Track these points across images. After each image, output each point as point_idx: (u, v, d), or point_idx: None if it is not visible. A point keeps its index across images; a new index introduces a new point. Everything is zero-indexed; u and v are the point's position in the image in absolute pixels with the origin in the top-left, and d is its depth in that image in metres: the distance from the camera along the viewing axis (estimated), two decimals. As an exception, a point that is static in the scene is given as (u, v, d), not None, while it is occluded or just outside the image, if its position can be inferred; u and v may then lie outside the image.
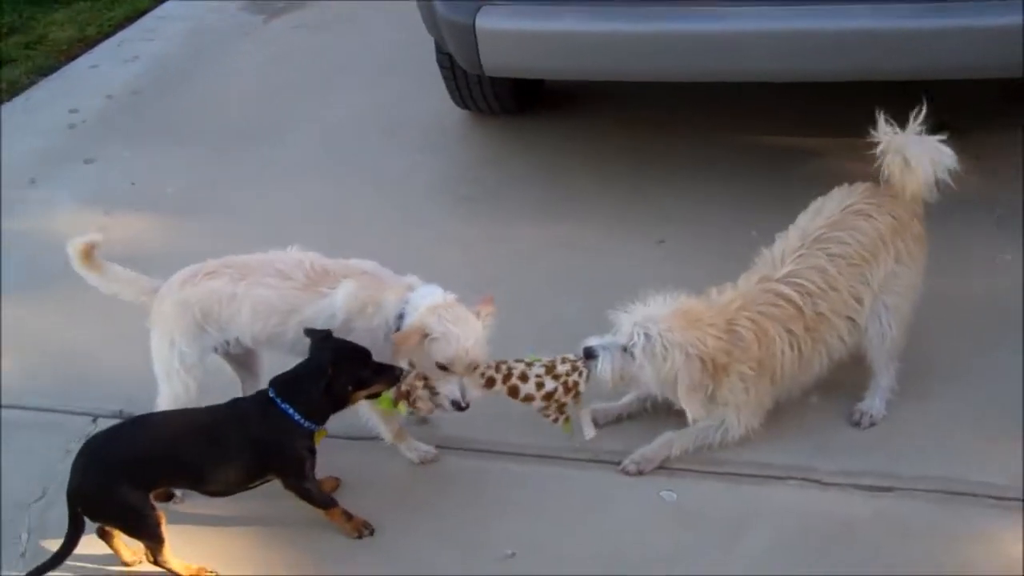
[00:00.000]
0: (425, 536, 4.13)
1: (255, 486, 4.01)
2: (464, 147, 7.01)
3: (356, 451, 4.44)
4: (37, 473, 4.52)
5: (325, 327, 4.09)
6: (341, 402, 3.94)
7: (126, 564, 4.01)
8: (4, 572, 4.08)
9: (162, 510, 3.88)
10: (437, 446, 4.49)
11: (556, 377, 4.15)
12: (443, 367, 3.99)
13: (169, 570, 3.93)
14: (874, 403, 4.48)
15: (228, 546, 4.15)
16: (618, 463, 4.36)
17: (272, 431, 3.88)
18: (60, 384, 5.10)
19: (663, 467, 4.35)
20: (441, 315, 3.96)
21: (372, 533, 4.12)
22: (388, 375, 3.97)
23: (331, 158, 6.95)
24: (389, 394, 4.06)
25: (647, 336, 4.13)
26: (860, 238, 4.36)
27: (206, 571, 3.98)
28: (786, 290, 4.34)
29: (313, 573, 4.02)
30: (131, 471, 3.77)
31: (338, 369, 3.85)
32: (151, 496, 3.82)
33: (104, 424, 4.78)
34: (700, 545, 4.03)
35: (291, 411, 3.86)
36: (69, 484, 3.80)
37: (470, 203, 6.31)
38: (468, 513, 4.23)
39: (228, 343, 4.27)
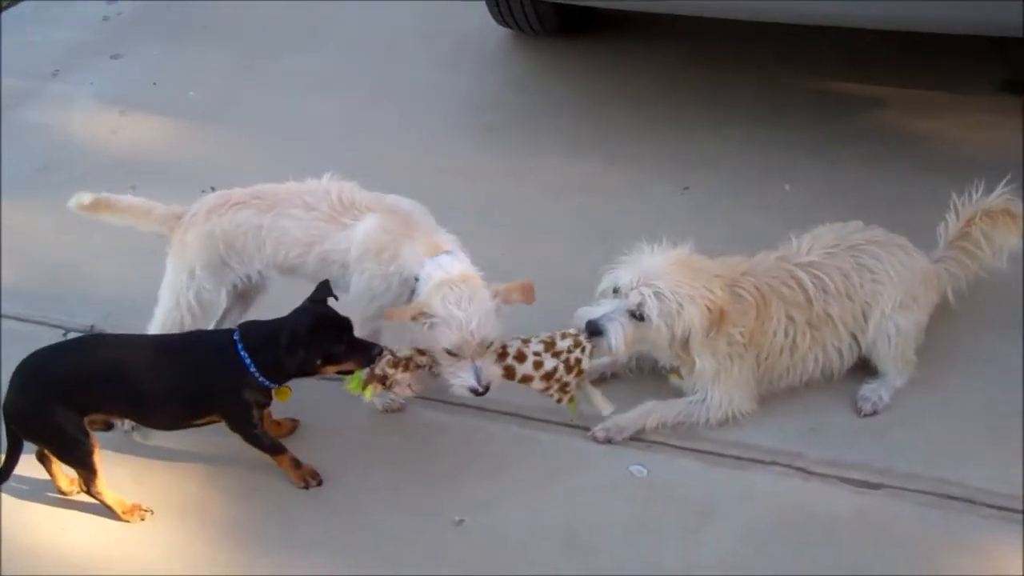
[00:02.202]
0: (375, 492, 3.92)
1: (201, 424, 3.82)
2: (498, 68, 6.65)
3: (320, 391, 4.17)
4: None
5: (342, 260, 3.88)
6: (306, 372, 3.67)
7: (62, 493, 3.87)
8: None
9: (98, 440, 3.73)
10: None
11: (556, 354, 3.82)
12: (452, 353, 3.70)
13: (102, 503, 3.78)
14: (879, 391, 4.12)
15: (169, 483, 3.98)
16: (589, 429, 4.09)
17: (223, 374, 3.66)
18: (37, 293, 4.96)
19: (638, 439, 4.05)
20: (446, 296, 3.61)
21: (319, 484, 3.92)
22: (362, 355, 3.68)
23: (361, 70, 6.66)
24: (361, 374, 3.78)
25: (658, 295, 3.79)
26: (895, 264, 4.08)
27: (140, 508, 3.83)
28: (803, 276, 4.02)
29: (249, 520, 3.84)
30: (67, 391, 3.59)
31: (311, 340, 3.58)
32: (86, 422, 3.65)
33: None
34: (664, 525, 3.75)
35: (249, 362, 3.62)
36: (5, 399, 3.64)
37: (495, 132, 5.97)
38: (424, 470, 4.00)
39: (249, 277, 4.08)
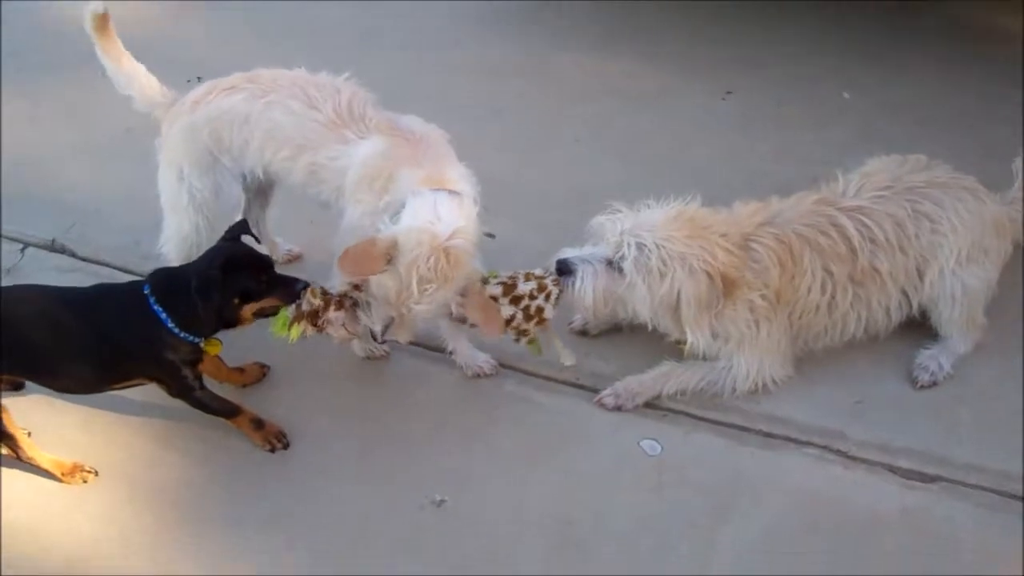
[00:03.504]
0: (345, 458, 3.41)
1: (123, 388, 3.33)
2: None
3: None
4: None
5: (336, 182, 3.33)
6: (228, 319, 3.17)
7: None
8: None
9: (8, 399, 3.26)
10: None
11: (516, 300, 3.29)
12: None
13: (38, 466, 3.31)
14: (939, 358, 3.54)
15: (119, 437, 3.47)
16: (597, 391, 3.54)
17: (136, 334, 3.15)
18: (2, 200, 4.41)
19: (653, 406, 3.51)
20: (417, 263, 3.01)
21: (286, 447, 3.43)
22: (284, 291, 3.19)
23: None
24: (287, 313, 3.25)
25: (640, 246, 3.25)
26: (961, 212, 3.47)
27: (83, 469, 3.35)
28: (846, 223, 3.44)
29: (203, 487, 3.34)
30: None
31: (225, 279, 3.06)
32: None
33: (33, 255, 4.17)
34: (675, 519, 3.21)
35: (164, 317, 3.12)
36: None
37: (506, 21, 5.31)
38: (402, 433, 3.48)
39: (245, 176, 3.55)
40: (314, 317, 3.25)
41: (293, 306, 3.23)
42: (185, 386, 3.25)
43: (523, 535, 3.18)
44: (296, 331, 3.26)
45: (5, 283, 3.95)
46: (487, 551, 3.14)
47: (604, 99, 4.80)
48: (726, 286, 3.27)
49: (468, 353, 3.65)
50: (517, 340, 3.38)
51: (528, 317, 3.28)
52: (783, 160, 4.37)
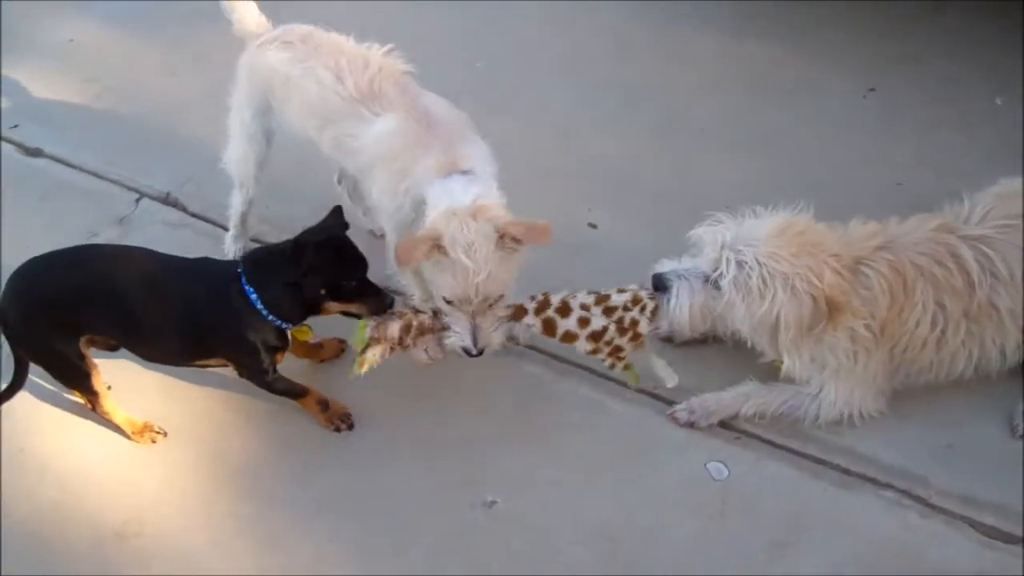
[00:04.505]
0: (407, 448, 3.38)
1: (203, 366, 3.36)
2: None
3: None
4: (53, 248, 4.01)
5: (357, 159, 3.32)
6: (312, 308, 3.15)
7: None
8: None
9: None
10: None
11: (609, 311, 3.12)
12: (450, 302, 3.07)
13: (111, 421, 3.40)
14: (1045, 410, 3.24)
15: (193, 403, 3.53)
16: (672, 404, 3.40)
17: (224, 312, 3.14)
18: (120, 144, 4.54)
19: (728, 426, 3.35)
20: (454, 235, 2.93)
21: (351, 427, 3.42)
22: (374, 301, 3.13)
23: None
24: (367, 328, 3.14)
25: (740, 264, 3.04)
26: None
27: (152, 430, 3.43)
28: (966, 253, 3.16)
29: (263, 462, 3.37)
30: (54, 312, 3.15)
31: (317, 270, 3.05)
32: (84, 342, 3.22)
33: (146, 207, 4.26)
34: (733, 550, 3.06)
35: (255, 298, 3.10)
36: (3, 311, 3.21)
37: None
38: (471, 429, 3.42)
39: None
40: (400, 341, 3.13)
41: (373, 324, 3.12)
42: (259, 369, 3.25)
43: (569, 547, 3.09)
44: (372, 358, 3.12)
45: (117, 234, 4.10)
46: (529, 559, 3.08)
47: (736, 87, 4.56)
48: (831, 310, 3.03)
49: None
50: (612, 366, 3.22)
51: (622, 330, 3.11)
52: (921, 170, 4.08)
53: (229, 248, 3.98)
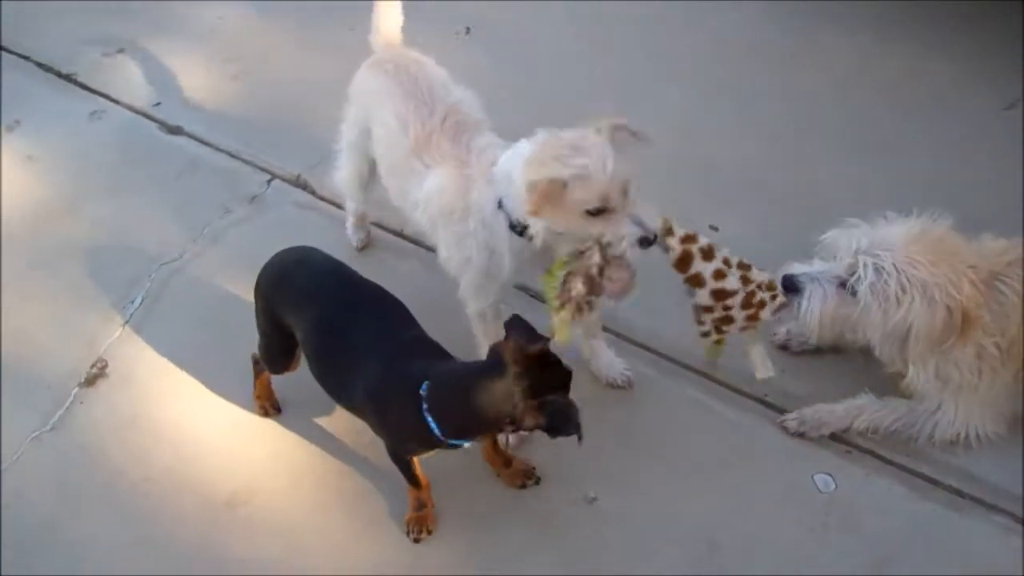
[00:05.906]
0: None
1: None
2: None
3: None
4: (187, 225, 4.18)
5: (414, 214, 3.24)
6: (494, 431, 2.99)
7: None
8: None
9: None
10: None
11: (745, 280, 2.98)
12: (598, 211, 2.80)
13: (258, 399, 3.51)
14: None
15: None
16: (784, 412, 3.36)
17: (396, 421, 2.94)
18: (254, 125, 4.63)
19: (839, 439, 3.29)
20: (556, 154, 2.75)
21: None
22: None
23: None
24: (565, 313, 2.91)
25: (878, 269, 2.95)
26: None
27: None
28: None
29: (372, 437, 3.40)
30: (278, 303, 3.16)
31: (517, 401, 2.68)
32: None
33: (277, 187, 4.36)
34: (830, 560, 3.02)
35: (433, 426, 2.82)
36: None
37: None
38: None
39: None
40: (591, 290, 2.87)
41: (559, 289, 2.90)
42: (402, 459, 3.11)
43: (665, 549, 3.09)
44: (565, 320, 2.90)
45: (247, 212, 4.23)
46: (624, 557, 3.08)
47: (870, 95, 4.45)
48: (964, 324, 2.93)
49: (606, 360, 3.47)
50: (707, 334, 3.07)
51: (747, 304, 2.98)
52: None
53: (352, 236, 4.03)
